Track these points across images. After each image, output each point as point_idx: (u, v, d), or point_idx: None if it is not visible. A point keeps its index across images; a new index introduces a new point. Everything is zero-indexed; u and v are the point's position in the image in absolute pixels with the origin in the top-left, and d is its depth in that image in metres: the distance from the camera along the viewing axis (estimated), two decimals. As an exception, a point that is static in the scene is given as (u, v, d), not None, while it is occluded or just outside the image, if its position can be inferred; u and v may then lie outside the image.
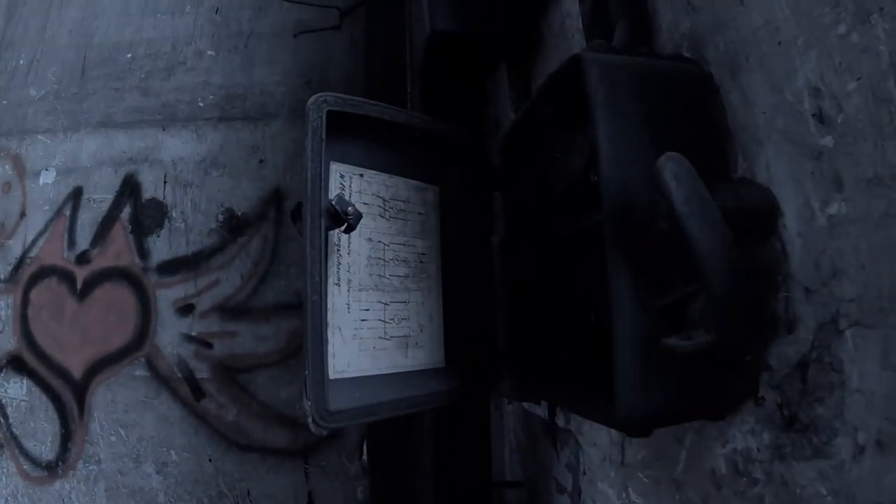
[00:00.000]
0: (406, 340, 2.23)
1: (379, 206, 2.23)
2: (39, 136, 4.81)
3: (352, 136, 2.17)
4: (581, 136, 2.00)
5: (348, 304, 2.08)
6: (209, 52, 4.80)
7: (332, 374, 1.99)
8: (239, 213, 4.57)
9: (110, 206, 4.66)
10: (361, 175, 2.19)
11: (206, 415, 4.44)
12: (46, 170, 4.75)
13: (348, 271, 2.09)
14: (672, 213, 1.26)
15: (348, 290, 2.09)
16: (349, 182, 2.15)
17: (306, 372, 1.82)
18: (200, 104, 4.72)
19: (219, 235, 4.55)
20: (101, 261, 4.63)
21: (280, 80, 4.69)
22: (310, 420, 1.84)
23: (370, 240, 2.17)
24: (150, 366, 4.50)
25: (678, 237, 1.27)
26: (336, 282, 2.05)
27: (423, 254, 2.34)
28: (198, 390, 4.45)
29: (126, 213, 4.66)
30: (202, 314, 4.53)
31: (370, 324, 2.14)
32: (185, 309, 4.54)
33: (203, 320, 4.52)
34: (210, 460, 4.50)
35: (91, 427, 4.52)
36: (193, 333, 4.50)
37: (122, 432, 4.50)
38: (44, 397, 4.58)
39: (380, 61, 3.97)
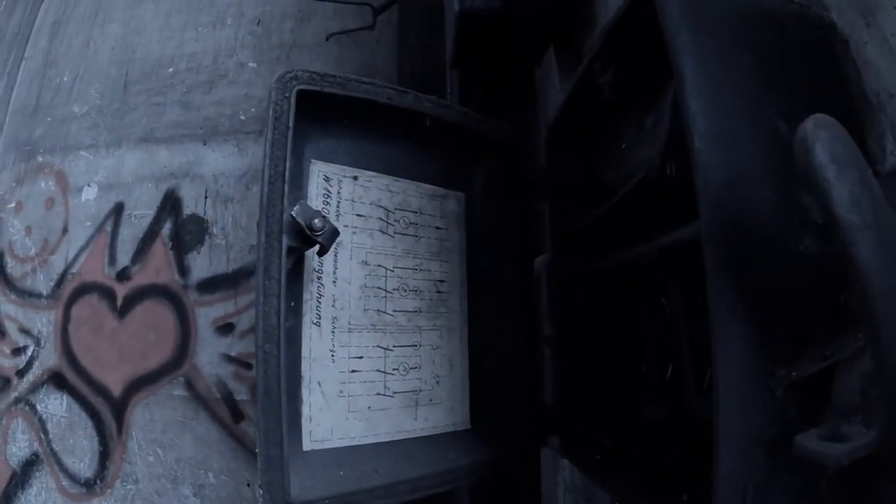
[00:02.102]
0: (415, 397, 1.51)
1: (380, 218, 1.51)
2: (82, 152, 4.29)
3: (341, 128, 1.46)
4: (653, 117, 1.33)
5: (332, 351, 1.37)
6: (251, 65, 4.20)
7: (308, 445, 1.28)
8: (280, 230, 3.90)
9: (151, 222, 4.10)
10: (355, 178, 1.48)
11: (245, 438, 3.81)
12: (88, 185, 4.22)
13: (333, 306, 1.38)
14: (833, 221, 0.65)
15: (332, 332, 1.37)
16: (337, 187, 1.44)
17: (258, 441, 1.13)
18: (242, 117, 4.13)
19: (260, 252, 3.90)
20: (141, 278, 4.06)
21: (322, 91, 4.03)
22: (266, 514, 1.14)
23: (365, 263, 1.46)
24: (189, 385, 3.90)
25: (832, 263, 0.75)
26: (315, 320, 1.34)
27: (441, 281, 1.61)
28: (236, 412, 3.83)
29: (167, 229, 4.10)
30: (242, 333, 3.91)
31: (364, 376, 1.42)
32: (225, 328, 3.94)
33: (243, 340, 3.90)
34: (248, 485, 3.88)
35: (129, 446, 3.95)
36: (233, 353, 3.89)
37: (160, 452, 3.92)
38: (83, 414, 4.03)
39: (413, 59, 3.25)
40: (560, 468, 3.21)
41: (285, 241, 1.19)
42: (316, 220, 1.18)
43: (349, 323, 1.40)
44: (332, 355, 1.36)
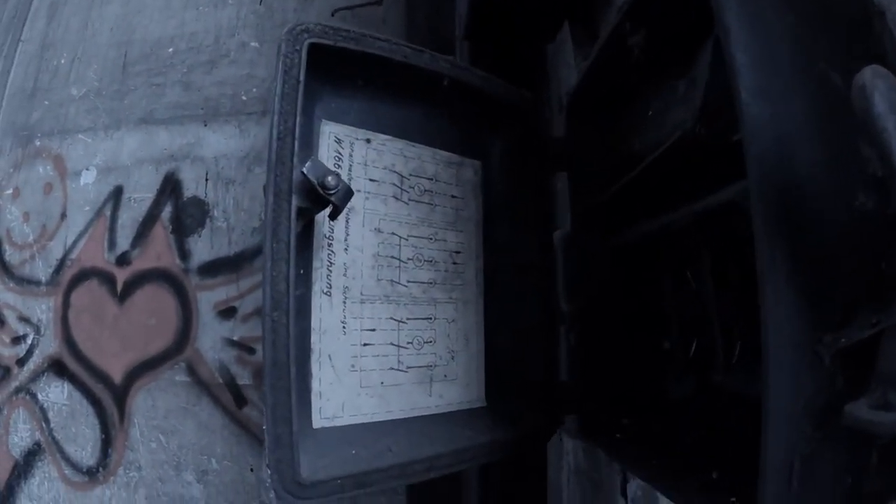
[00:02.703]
0: (430, 372, 1.41)
1: (394, 183, 1.41)
2: (80, 136, 4.16)
3: (353, 87, 1.36)
4: (685, 81, 1.25)
5: (343, 323, 1.27)
6: (253, 44, 4.09)
7: (318, 422, 1.19)
8: (283, 212, 3.81)
9: (151, 206, 3.99)
10: (368, 141, 1.38)
11: (248, 423, 3.73)
12: (87, 169, 4.11)
13: (344, 275, 1.29)
14: (891, 174, 0.60)
15: (344, 303, 1.28)
16: (349, 150, 1.35)
17: (265, 418, 1.04)
18: (244, 98, 4.02)
19: (262, 235, 3.81)
20: (141, 262, 3.96)
21: (326, 71, 3.93)
22: (272, 495, 1.05)
23: (378, 230, 1.36)
24: (191, 371, 3.81)
25: (886, 222, 0.69)
26: (325, 290, 1.24)
27: (456, 252, 1.52)
28: (239, 397, 3.74)
29: (167, 212, 3.99)
30: (244, 317, 3.81)
31: (377, 349, 1.33)
32: (227, 312, 3.84)
33: (245, 324, 3.80)
34: (252, 470, 3.78)
35: (131, 433, 3.86)
36: (235, 338, 3.78)
37: (163, 439, 3.82)
38: (84, 402, 3.93)
39: (422, 40, 3.14)
40: (565, 452, 3.12)
41: (295, 200, 1.09)
42: (329, 178, 1.08)
43: (361, 293, 1.31)
44: (344, 327, 1.27)
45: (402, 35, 3.98)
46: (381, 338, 1.33)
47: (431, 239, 1.46)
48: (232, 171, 3.97)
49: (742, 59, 0.79)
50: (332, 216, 1.17)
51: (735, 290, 1.33)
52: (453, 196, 1.52)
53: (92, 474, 3.90)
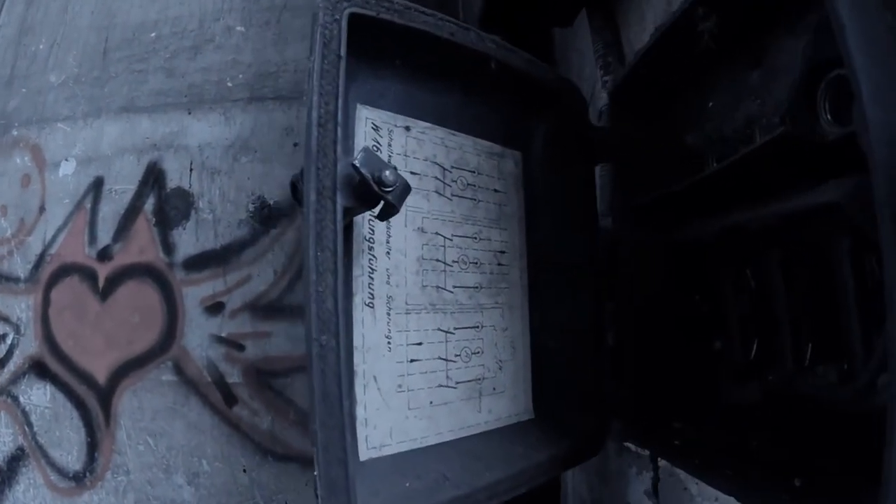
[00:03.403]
0: (479, 386, 1.25)
1: (436, 177, 1.24)
2: (59, 125, 3.90)
3: (392, 68, 1.18)
4: (759, 72, 1.21)
5: (388, 338, 1.10)
6: (239, 29, 3.84)
7: (365, 454, 1.02)
8: (271, 203, 3.62)
9: (133, 197, 3.74)
10: (407, 128, 1.20)
11: (240, 422, 3.52)
12: (66, 160, 3.84)
13: (387, 283, 1.11)
14: None
15: (388, 315, 1.10)
16: (388, 138, 1.17)
17: (316, 460, 0.86)
18: (229, 84, 3.78)
19: (249, 227, 3.61)
20: (123, 257, 3.71)
21: (315, 56, 3.71)
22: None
23: (422, 230, 1.19)
24: (178, 370, 3.58)
25: None
26: (367, 301, 1.07)
27: (501, 252, 1.35)
28: (229, 396, 3.53)
29: (150, 204, 3.75)
30: (232, 313, 3.59)
31: (424, 365, 1.15)
32: (214, 308, 3.61)
33: (233, 320, 3.58)
34: (244, 471, 3.58)
35: (118, 436, 3.63)
36: (223, 334, 3.56)
37: (151, 441, 3.61)
38: (68, 404, 3.69)
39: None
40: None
41: (340, 199, 0.91)
42: (387, 173, 0.90)
43: (406, 303, 1.13)
44: (389, 343, 1.09)
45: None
46: (429, 352, 1.16)
47: (476, 238, 1.28)
48: (217, 160, 3.74)
49: (860, 59, 0.78)
50: (383, 217, 0.99)
51: (806, 292, 1.19)
52: (496, 190, 1.35)
53: (79, 479, 3.67)
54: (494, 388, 1.27)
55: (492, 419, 1.25)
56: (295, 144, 3.68)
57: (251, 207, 3.65)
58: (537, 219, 1.42)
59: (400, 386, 1.09)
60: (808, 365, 1.20)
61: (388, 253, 1.11)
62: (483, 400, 1.24)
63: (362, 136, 1.11)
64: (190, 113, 3.76)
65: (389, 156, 1.15)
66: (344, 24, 1.01)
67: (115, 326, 3.59)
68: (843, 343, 1.07)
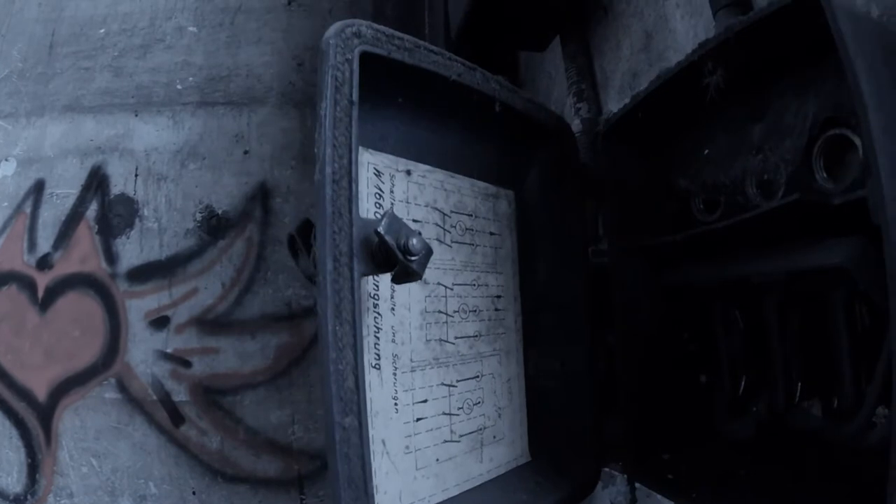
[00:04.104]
0: (480, 436, 1.20)
1: (436, 223, 1.18)
2: (0, 122, 3.64)
3: (394, 107, 1.12)
4: (763, 127, 1.23)
5: (395, 399, 1.03)
6: (191, 29, 3.68)
7: (371, 521, 0.96)
8: (220, 212, 3.49)
9: (75, 203, 3.55)
10: (409, 172, 1.14)
11: (187, 442, 3.38)
12: (6, 160, 3.59)
13: (393, 341, 1.05)
14: None
15: (394, 375, 1.04)
16: (390, 184, 1.10)
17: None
18: (178, 87, 3.62)
19: (197, 237, 3.47)
20: (64, 266, 3.51)
21: (269, 61, 3.61)
22: None
23: (424, 282, 1.13)
24: (122, 387, 3.41)
25: None
26: (373, 362, 1.00)
27: (497, 296, 1.30)
28: (176, 415, 3.38)
29: (92, 210, 3.55)
30: (178, 328, 3.45)
31: (430, 423, 1.10)
32: (159, 322, 3.46)
33: (179, 335, 3.44)
34: (194, 493, 3.45)
35: (60, 456, 3.42)
36: (169, 350, 3.42)
37: (95, 462, 3.41)
38: (7, 423, 3.46)
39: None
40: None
41: (358, 267, 0.84)
42: (414, 241, 0.84)
43: (411, 360, 1.07)
44: (396, 404, 1.03)
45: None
46: (434, 408, 1.10)
47: (474, 285, 1.23)
48: (164, 166, 3.57)
49: (879, 130, 0.82)
50: (400, 281, 0.92)
51: (797, 333, 1.23)
52: (492, 233, 1.31)
53: (20, 503, 3.44)
54: (495, 437, 1.23)
55: (493, 467, 1.21)
56: (245, 152, 3.55)
57: (198, 217, 3.50)
58: (530, 259, 1.39)
59: (407, 447, 1.03)
60: (798, 402, 1.22)
61: (392, 309, 1.05)
62: (484, 450, 1.20)
63: (364, 184, 1.05)
64: (137, 115, 3.58)
65: (392, 203, 1.09)
66: (356, 64, 0.94)
67: (54, 340, 3.39)
68: (832, 382, 1.12)
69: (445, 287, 1.16)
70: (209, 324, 3.41)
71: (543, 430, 1.35)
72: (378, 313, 1.03)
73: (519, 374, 1.33)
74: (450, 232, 1.19)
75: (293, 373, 3.38)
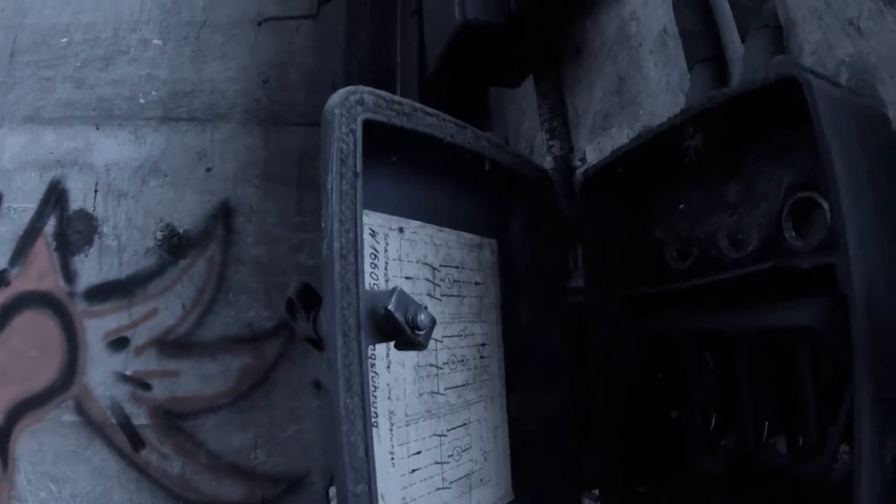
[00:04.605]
0: (469, 481, 1.25)
1: (427, 279, 1.23)
2: (-42, 133, 3.53)
3: (388, 166, 1.16)
4: (736, 187, 1.32)
5: (392, 454, 1.08)
6: (155, 42, 3.64)
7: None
8: (181, 231, 3.46)
9: (32, 218, 3.48)
10: (401, 230, 1.19)
11: (148, 467, 3.34)
12: (-38, 173, 3.49)
13: (389, 398, 1.09)
14: None
15: (390, 431, 1.08)
16: (384, 243, 1.15)
17: None
18: (141, 101, 3.58)
19: (157, 256, 3.43)
20: (21, 283, 3.44)
21: (234, 77, 3.60)
22: None
23: (418, 337, 1.18)
24: (80, 410, 3.35)
25: None
26: (372, 420, 1.05)
27: (482, 345, 1.36)
28: (136, 439, 3.34)
29: (51, 226, 3.49)
30: (138, 349, 3.41)
31: (423, 473, 1.14)
32: (118, 343, 3.41)
33: (139, 357, 3.40)
34: (155, 518, 3.38)
35: (17, 480, 3.34)
36: (128, 372, 3.39)
37: (53, 487, 3.35)
38: (-38, 445, 3.35)
39: (362, 58, 2.89)
40: None
41: (365, 340, 0.89)
42: (422, 317, 0.88)
43: (406, 414, 1.12)
44: (392, 459, 1.07)
45: (314, 45, 3.69)
46: (427, 459, 1.15)
47: (462, 336, 1.29)
48: (125, 182, 3.53)
49: (849, 209, 0.90)
50: (402, 348, 0.97)
51: (765, 378, 1.30)
52: (477, 283, 1.36)
53: (-24, 529, 3.35)
54: (482, 480, 1.28)
55: (480, 511, 1.26)
56: (208, 169, 3.54)
57: (159, 235, 3.47)
58: (512, 305, 1.45)
59: (404, 499, 1.08)
60: (766, 439, 1.31)
61: (388, 367, 1.09)
62: (472, 493, 1.25)
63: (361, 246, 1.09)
64: (98, 128, 3.54)
65: (386, 263, 1.13)
66: (359, 134, 0.98)
67: (10, 360, 3.33)
68: (798, 422, 1.21)
69: (436, 340, 1.21)
70: (169, 345, 3.38)
71: (526, 468, 1.41)
72: (375, 372, 1.07)
73: (503, 418, 1.39)
74: (439, 286, 1.24)
75: (255, 395, 3.37)
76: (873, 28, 1.13)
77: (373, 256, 1.12)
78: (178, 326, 3.40)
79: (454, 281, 1.29)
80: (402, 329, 0.87)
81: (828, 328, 1.06)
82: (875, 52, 1.12)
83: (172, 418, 3.33)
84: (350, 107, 0.99)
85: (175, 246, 3.44)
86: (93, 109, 3.53)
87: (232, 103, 3.54)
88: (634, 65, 1.89)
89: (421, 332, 0.89)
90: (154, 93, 3.59)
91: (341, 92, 1.00)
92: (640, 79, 1.86)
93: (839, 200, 0.91)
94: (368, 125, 1.01)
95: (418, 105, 1.13)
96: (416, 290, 1.19)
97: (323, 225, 0.94)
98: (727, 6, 1.55)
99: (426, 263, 1.23)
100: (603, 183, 1.48)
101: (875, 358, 0.87)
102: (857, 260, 0.90)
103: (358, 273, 0.91)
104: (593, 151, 2.07)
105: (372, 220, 1.13)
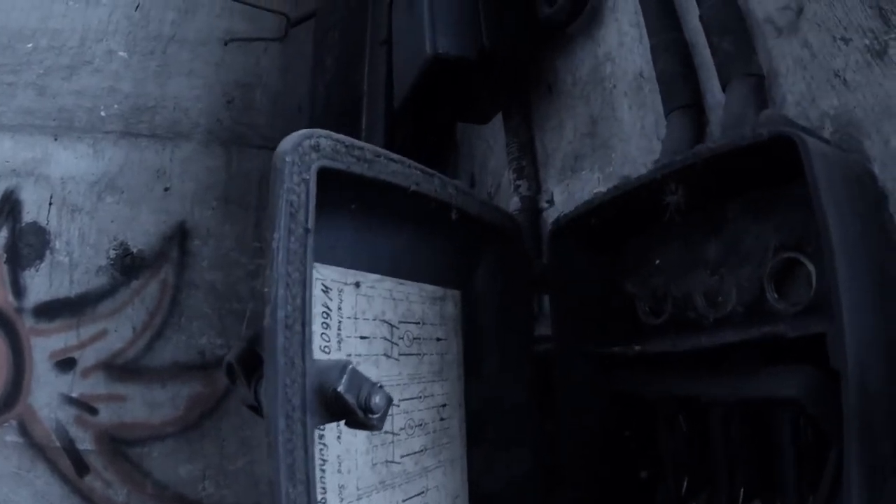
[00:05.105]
0: (422, 555, 1.13)
1: (385, 337, 1.10)
2: (-87, 134, 3.32)
3: (345, 216, 1.04)
4: (720, 246, 1.22)
5: (340, 535, 0.95)
6: (121, 54, 3.46)
7: None
8: (134, 250, 3.28)
9: (-17, 228, 3.25)
10: (357, 284, 1.06)
11: (92, 494, 3.13)
12: (-83, 176, 3.28)
13: (339, 471, 0.96)
14: None
15: (339, 509, 0.95)
16: (338, 301, 1.01)
17: None
18: (102, 113, 3.39)
19: (109, 276, 3.24)
20: (-33, 295, 3.20)
21: (198, 95, 3.44)
22: None
23: (372, 402, 1.05)
24: (24, 430, 3.13)
25: None
26: (320, 497, 0.91)
27: (442, 405, 1.23)
28: (80, 464, 3.13)
29: (2, 237, 3.26)
30: (85, 371, 3.20)
31: (372, 552, 1.02)
32: (65, 364, 3.20)
33: (86, 379, 3.19)
34: (98, 546, 3.16)
35: (-43, 503, 3.09)
36: (74, 395, 3.18)
37: (-7, 511, 3.09)
38: None
39: (328, 82, 2.75)
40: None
41: (311, 422, 0.76)
42: (377, 399, 0.75)
43: (357, 488, 0.98)
44: (340, 539, 0.94)
45: (281, 68, 3.55)
46: (377, 537, 1.02)
47: (420, 398, 1.16)
48: (80, 196, 3.34)
49: (844, 279, 0.83)
50: (353, 427, 0.84)
51: (740, 442, 1.22)
52: (438, 339, 1.24)
53: (-86, 550, 3.09)
54: (438, 551, 1.15)
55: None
56: (166, 189, 3.37)
57: (112, 254, 3.28)
58: (476, 360, 1.33)
59: (349, 589, 0.95)
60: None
61: (338, 438, 0.96)
62: (428, 568, 1.12)
63: (314, 307, 0.96)
64: (56, 139, 3.35)
65: (340, 322, 1.00)
66: (313, 184, 0.86)
67: (-47, 376, 3.06)
68: (774, 486, 1.13)
69: (393, 405, 1.08)
70: (118, 369, 3.18)
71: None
72: (324, 444, 0.94)
73: (463, 482, 1.26)
74: (397, 345, 1.11)
75: (205, 425, 3.19)
76: (860, 81, 1.06)
77: (324, 315, 0.99)
78: (128, 350, 3.20)
79: (414, 338, 1.16)
80: (352, 411, 0.75)
81: (815, 400, 0.98)
82: (861, 106, 1.06)
83: (118, 445, 3.12)
84: (304, 153, 0.87)
85: (128, 266, 3.24)
86: (53, 119, 3.33)
87: (195, 122, 3.37)
88: (608, 106, 1.80)
89: (375, 416, 0.76)
90: (116, 106, 3.40)
91: (295, 136, 0.88)
92: (614, 121, 1.77)
93: (834, 266, 0.84)
94: (324, 173, 0.89)
95: (381, 150, 1.01)
96: (373, 350, 1.06)
97: (266, 290, 0.81)
98: (706, 52, 1.47)
99: (384, 321, 1.10)
100: (575, 232, 1.37)
101: (865, 430, 0.81)
102: (851, 331, 0.82)
103: (305, 344, 0.78)
104: (561, 193, 1.97)
105: (325, 274, 1.00)
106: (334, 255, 1.03)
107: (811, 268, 1.08)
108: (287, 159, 0.85)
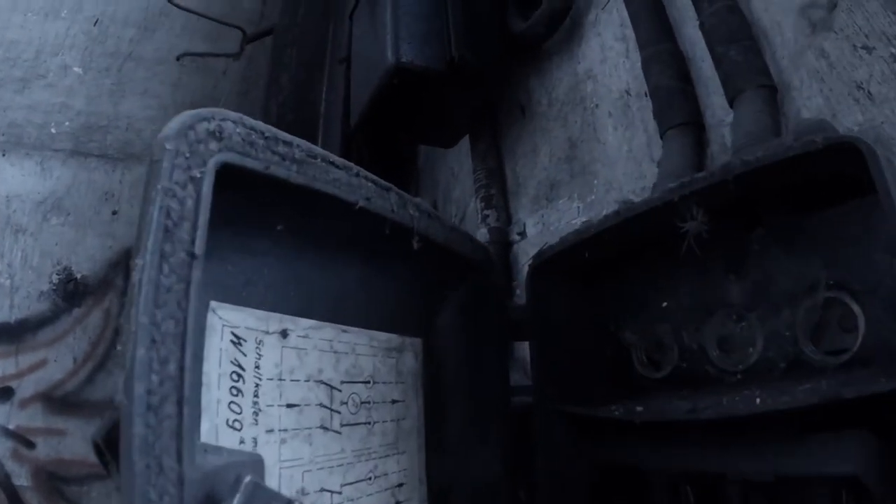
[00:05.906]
0: None
1: (322, 405, 0.75)
2: None
3: (268, 239, 0.70)
4: (745, 285, 0.92)
5: None
6: (76, 69, 3.10)
7: None
8: (78, 276, 2.90)
9: (-82, 246, 2.85)
10: (284, 334, 0.72)
11: (28, 534, 2.68)
12: None
13: None
14: None
15: None
16: (254, 356, 0.67)
17: None
18: (52, 130, 3.01)
19: (51, 302, 2.85)
20: None
21: (153, 116, 3.10)
22: None
23: (303, 492, 0.70)
24: (-45, 461, 2.67)
25: None
26: None
27: (399, 485, 0.88)
28: (16, 500, 2.75)
29: (-61, 255, 2.85)
30: (23, 402, 2.80)
31: None
32: (3, 393, 2.81)
33: (23, 410, 2.80)
34: (33, 589, 2.72)
35: None
36: (11, 426, 2.75)
37: (-78, 546, 2.66)
38: None
39: (284, 101, 2.41)
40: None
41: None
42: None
43: None
44: None
45: (240, 90, 3.22)
46: None
47: (370, 479, 0.81)
48: (25, 216, 2.95)
49: None
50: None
51: None
52: (394, 401, 0.90)
53: None
54: None
55: None
56: (114, 212, 2.98)
57: (55, 279, 2.86)
58: (440, 424, 0.99)
59: None
60: None
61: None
62: None
63: (216, 360, 0.62)
64: (4, 155, 2.91)
65: (258, 384, 0.66)
66: (208, 187, 0.53)
67: None
68: None
69: (332, 492, 0.73)
70: (57, 401, 2.77)
71: None
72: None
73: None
74: (339, 413, 0.77)
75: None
76: (887, 93, 0.89)
77: (235, 378, 0.64)
78: (67, 381, 2.79)
79: (361, 402, 0.82)
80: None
81: (878, 476, 0.69)
82: (890, 121, 0.88)
83: (56, 482, 2.72)
84: (196, 140, 0.53)
85: (71, 292, 2.84)
86: (2, 134, 2.96)
87: (147, 144, 3.01)
88: (589, 128, 1.52)
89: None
90: (67, 123, 3.02)
91: (184, 116, 0.55)
92: (596, 144, 1.48)
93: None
94: (231, 174, 0.55)
95: (319, 151, 0.68)
96: (305, 423, 0.72)
97: (119, 347, 0.47)
98: (705, 64, 1.20)
99: (321, 381, 0.76)
100: (560, 268, 1.06)
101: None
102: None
103: (182, 434, 0.44)
104: (535, 224, 1.67)
105: (235, 319, 0.66)
106: (251, 294, 0.69)
107: (856, 310, 0.79)
108: (168, 147, 0.52)
